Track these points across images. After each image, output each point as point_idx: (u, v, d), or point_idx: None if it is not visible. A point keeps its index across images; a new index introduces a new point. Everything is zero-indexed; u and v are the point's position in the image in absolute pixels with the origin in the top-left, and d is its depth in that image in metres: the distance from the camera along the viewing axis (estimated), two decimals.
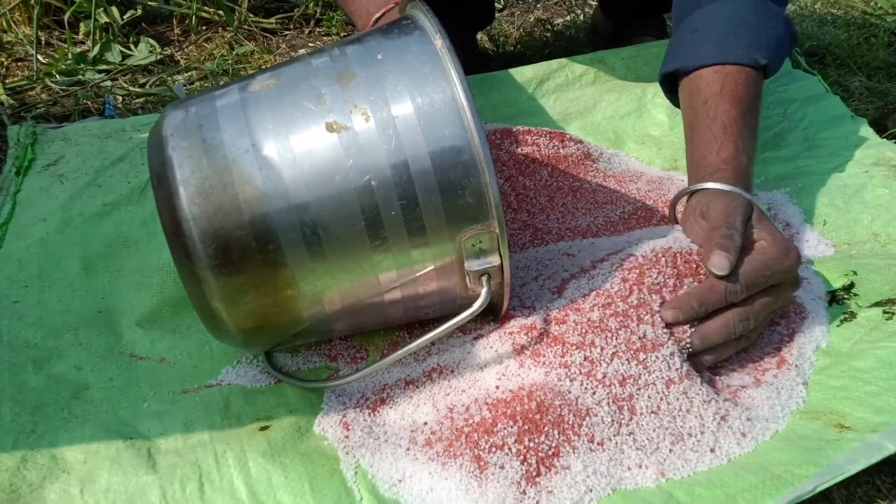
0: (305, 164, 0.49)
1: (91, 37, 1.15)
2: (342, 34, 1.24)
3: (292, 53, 1.20)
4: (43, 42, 1.17)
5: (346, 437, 0.54)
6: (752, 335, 0.57)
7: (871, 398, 0.52)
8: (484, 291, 0.53)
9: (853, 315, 0.61)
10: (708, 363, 0.56)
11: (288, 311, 0.52)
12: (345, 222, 0.49)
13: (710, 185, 0.60)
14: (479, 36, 1.18)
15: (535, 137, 0.85)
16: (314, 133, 0.50)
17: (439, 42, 0.51)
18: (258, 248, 0.49)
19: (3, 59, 1.13)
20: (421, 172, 0.49)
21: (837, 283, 0.64)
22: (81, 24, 1.19)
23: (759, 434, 0.52)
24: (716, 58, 0.67)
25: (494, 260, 0.52)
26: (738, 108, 0.64)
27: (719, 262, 0.53)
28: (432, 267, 0.52)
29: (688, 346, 0.54)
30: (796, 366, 0.57)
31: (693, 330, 0.54)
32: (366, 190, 0.49)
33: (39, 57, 1.11)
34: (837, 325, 0.61)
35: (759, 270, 0.55)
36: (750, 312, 0.55)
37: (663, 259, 0.58)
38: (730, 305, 0.55)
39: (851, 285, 0.64)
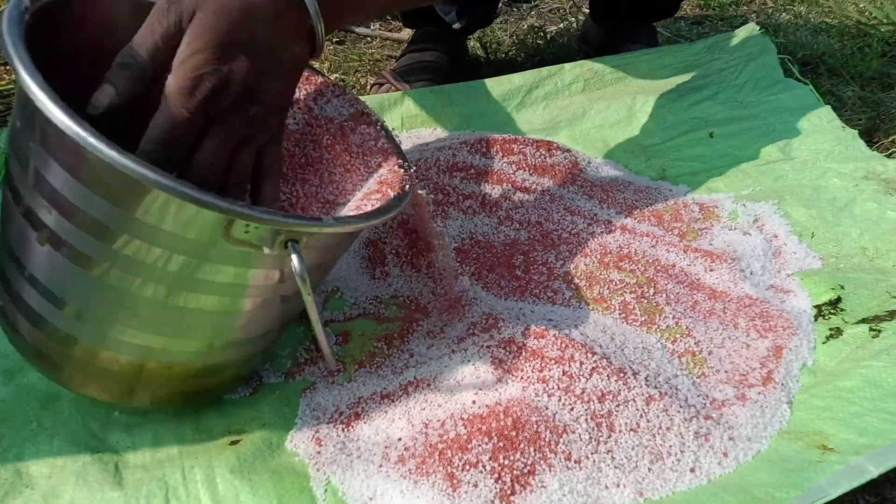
0: None
1: None
2: (332, 42, 1.23)
3: None
4: None
5: (318, 452, 0.52)
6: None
7: (856, 419, 0.51)
8: (295, 257, 0.44)
9: (839, 332, 0.60)
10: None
11: (171, 380, 0.51)
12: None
13: None
14: (470, 43, 1.17)
15: (521, 146, 0.84)
16: None
17: None
18: None
19: None
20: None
21: (824, 297, 0.63)
22: None
23: (741, 454, 0.51)
24: None
25: (277, 226, 0.43)
26: None
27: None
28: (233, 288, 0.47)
29: None
30: (782, 384, 0.56)
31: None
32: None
33: None
34: (823, 343, 0.59)
35: None
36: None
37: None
38: None
39: (838, 300, 0.63)
